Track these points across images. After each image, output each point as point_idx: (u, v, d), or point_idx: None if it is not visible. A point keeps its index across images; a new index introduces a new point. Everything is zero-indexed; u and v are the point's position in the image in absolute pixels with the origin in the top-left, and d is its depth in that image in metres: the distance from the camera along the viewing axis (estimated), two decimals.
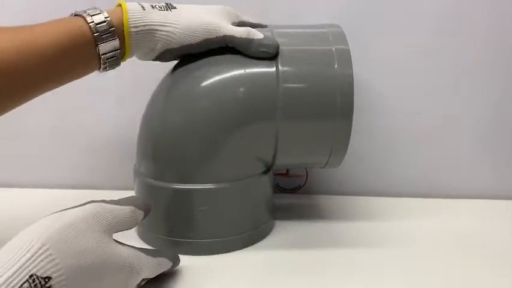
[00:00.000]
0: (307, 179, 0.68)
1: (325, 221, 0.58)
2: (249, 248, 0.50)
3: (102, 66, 0.45)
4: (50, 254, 0.30)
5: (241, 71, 0.46)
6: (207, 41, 0.46)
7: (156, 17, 0.46)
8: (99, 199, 0.38)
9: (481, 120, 0.65)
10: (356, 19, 0.62)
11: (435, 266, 0.47)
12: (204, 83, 0.46)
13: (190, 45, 0.46)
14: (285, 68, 0.46)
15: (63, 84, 0.45)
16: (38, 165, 0.70)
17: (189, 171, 0.46)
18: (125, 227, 0.38)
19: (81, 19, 0.44)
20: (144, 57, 0.49)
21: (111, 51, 0.45)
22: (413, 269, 0.47)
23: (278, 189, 0.68)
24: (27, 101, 0.44)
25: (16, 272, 0.28)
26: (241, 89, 0.46)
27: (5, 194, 0.68)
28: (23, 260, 0.29)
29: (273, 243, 0.51)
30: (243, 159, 0.47)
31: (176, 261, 0.43)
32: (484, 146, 0.66)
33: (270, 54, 0.47)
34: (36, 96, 0.44)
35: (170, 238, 0.47)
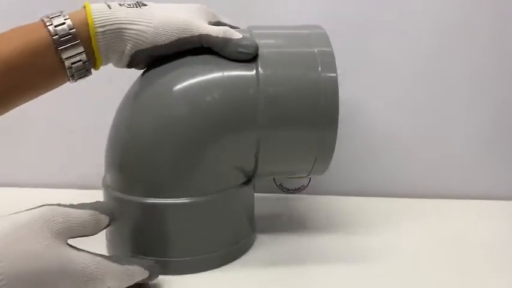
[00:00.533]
0: (310, 179, 0.66)
1: (327, 224, 0.57)
2: (228, 266, 0.46)
3: (68, 74, 0.42)
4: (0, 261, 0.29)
5: (219, 73, 0.42)
6: (181, 41, 0.43)
7: (124, 15, 0.42)
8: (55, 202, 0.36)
9: (483, 121, 0.64)
10: (356, 20, 0.61)
11: (437, 267, 0.47)
12: (178, 86, 0.42)
13: (163, 45, 0.43)
14: (266, 71, 0.42)
15: (36, 95, 0.43)
16: (36, 165, 0.69)
17: (160, 183, 0.42)
18: (83, 232, 0.36)
19: (41, 23, 0.41)
20: (117, 63, 0.45)
21: (75, 56, 0.41)
22: (415, 271, 0.46)
23: (281, 189, 0.66)
24: None
25: None
26: (219, 93, 0.42)
27: (3, 193, 0.68)
28: None
29: (253, 258, 0.48)
30: (221, 169, 0.44)
31: (154, 270, 0.39)
32: (485, 146, 0.65)
33: (249, 56, 0.43)
34: (7, 110, 0.43)
35: (141, 257, 0.43)
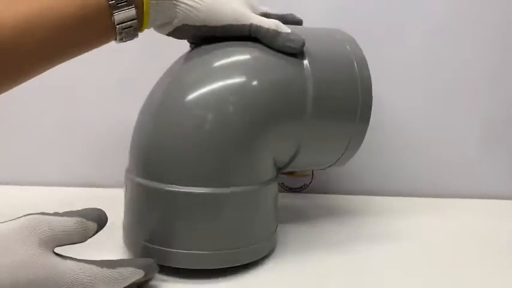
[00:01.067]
0: (312, 178, 0.67)
1: (330, 222, 0.57)
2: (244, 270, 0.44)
3: (118, 36, 0.41)
4: None
5: (271, 59, 0.43)
6: (231, 27, 0.43)
7: None
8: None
9: (487, 121, 0.65)
10: (365, 19, 0.62)
11: (443, 266, 0.47)
12: (225, 72, 0.42)
13: (212, 27, 0.43)
14: (313, 64, 0.44)
15: (77, 55, 0.42)
16: (37, 163, 0.68)
17: (197, 172, 0.40)
18: (70, 239, 0.35)
19: None
20: (160, 29, 0.45)
21: (127, 21, 0.41)
22: (421, 269, 0.46)
23: (284, 188, 0.67)
24: (39, 72, 0.41)
25: None
26: (270, 80, 0.43)
27: (3, 191, 0.66)
28: None
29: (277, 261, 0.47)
30: (261, 160, 0.43)
31: (149, 269, 0.38)
32: (489, 145, 0.66)
33: (296, 50, 0.44)
34: (48, 68, 0.41)
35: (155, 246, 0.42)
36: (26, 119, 0.65)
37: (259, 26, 0.44)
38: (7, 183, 0.67)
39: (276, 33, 0.44)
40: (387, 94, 0.65)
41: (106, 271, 0.35)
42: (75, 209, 0.36)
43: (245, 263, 0.43)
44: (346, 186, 0.67)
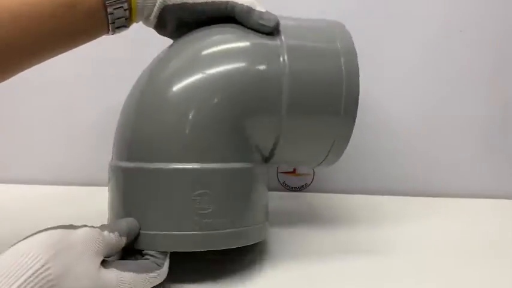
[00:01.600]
0: (313, 177, 0.67)
1: (331, 222, 0.57)
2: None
3: (110, 21, 0.42)
4: (50, 274, 0.30)
5: (244, 50, 0.43)
6: (209, 5, 0.44)
7: None
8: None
9: (485, 120, 0.65)
10: (360, 20, 0.61)
11: (445, 266, 0.46)
12: (201, 54, 0.42)
13: (191, 4, 0.44)
14: (292, 57, 0.43)
15: (70, 46, 0.43)
16: (30, 161, 0.69)
17: (175, 149, 0.40)
18: (109, 253, 0.36)
19: None
20: (147, 21, 0.45)
21: (120, 15, 0.42)
22: (421, 271, 0.46)
23: (285, 187, 0.67)
24: (28, 65, 0.42)
25: None
26: (243, 71, 0.42)
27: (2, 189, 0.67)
28: (24, 277, 0.28)
29: (255, 255, 0.46)
30: (242, 141, 0.42)
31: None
32: (487, 145, 0.66)
33: (269, 29, 0.44)
34: (38, 60, 0.42)
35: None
36: (20, 116, 0.66)
37: (235, 3, 0.44)
38: (6, 182, 0.68)
39: (250, 10, 0.44)
40: (387, 94, 0.64)
41: (143, 276, 0.36)
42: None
43: (231, 247, 0.41)
44: (346, 186, 0.67)
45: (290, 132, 0.44)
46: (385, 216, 0.59)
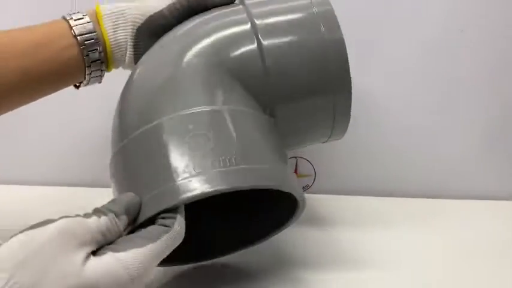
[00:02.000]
0: (315, 178, 0.67)
1: (332, 224, 0.56)
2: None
3: (83, 52, 0.42)
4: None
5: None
6: (171, 7, 0.44)
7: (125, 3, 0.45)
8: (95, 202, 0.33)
9: (485, 120, 0.65)
10: (359, 18, 0.62)
11: (443, 268, 0.47)
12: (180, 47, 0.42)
13: (157, 14, 0.44)
14: (267, 42, 0.42)
15: (45, 87, 0.44)
16: (32, 162, 0.69)
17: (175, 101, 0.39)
18: (106, 240, 0.32)
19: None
20: (127, 59, 0.46)
21: (88, 33, 0.43)
22: (423, 273, 0.46)
23: None
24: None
25: None
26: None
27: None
28: None
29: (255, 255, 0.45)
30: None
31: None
32: (488, 145, 0.66)
33: (229, 2, 0.45)
34: (15, 102, 0.43)
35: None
36: (25, 117, 0.65)
37: None
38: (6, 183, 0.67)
39: None
40: (386, 94, 0.65)
41: (150, 248, 0.31)
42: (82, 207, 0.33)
43: (243, 186, 0.35)
44: (348, 187, 0.67)
45: (282, 108, 0.42)
46: (388, 218, 0.59)
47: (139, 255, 0.30)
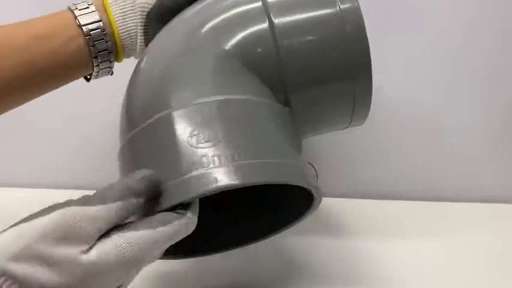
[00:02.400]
0: (317, 180, 0.64)
1: (333, 228, 0.56)
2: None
3: (89, 43, 0.40)
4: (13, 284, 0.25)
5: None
6: None
7: None
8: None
9: (488, 121, 0.65)
10: (368, 17, 0.61)
11: (446, 273, 0.46)
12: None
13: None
14: (279, 20, 0.39)
15: (52, 81, 0.42)
16: (35, 165, 0.68)
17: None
18: (114, 223, 0.29)
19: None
20: (135, 46, 0.44)
21: (93, 23, 0.41)
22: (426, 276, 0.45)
23: None
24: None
25: None
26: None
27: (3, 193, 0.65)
28: None
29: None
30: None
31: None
32: (496, 149, 0.66)
33: None
34: (21, 96, 0.42)
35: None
36: (29, 118, 0.64)
37: None
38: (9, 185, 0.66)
39: None
40: (389, 96, 0.64)
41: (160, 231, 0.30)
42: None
43: (259, 181, 0.33)
44: (349, 190, 0.66)
45: (297, 94, 0.39)
46: (391, 221, 0.58)
47: (147, 236, 0.29)
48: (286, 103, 0.39)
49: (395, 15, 0.61)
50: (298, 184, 0.35)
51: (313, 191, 0.37)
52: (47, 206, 0.28)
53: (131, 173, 0.32)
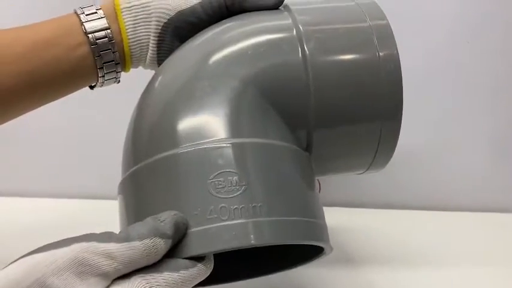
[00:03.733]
0: (319, 191, 0.62)
1: (337, 236, 0.55)
2: None
3: (94, 52, 0.37)
4: None
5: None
6: (202, 6, 0.38)
7: None
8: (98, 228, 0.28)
9: (492, 131, 0.65)
10: None
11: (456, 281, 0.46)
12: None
13: (187, 10, 0.38)
14: (313, 57, 0.36)
15: (56, 89, 0.39)
16: (45, 174, 0.67)
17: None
18: (136, 267, 0.27)
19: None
20: (150, 63, 0.40)
21: (101, 30, 0.37)
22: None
23: None
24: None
25: None
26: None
27: (13, 203, 0.64)
28: None
29: None
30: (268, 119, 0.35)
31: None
32: (498, 157, 0.65)
33: (270, 3, 0.38)
34: (25, 104, 0.39)
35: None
36: (28, 128, 0.63)
37: None
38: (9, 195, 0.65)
39: None
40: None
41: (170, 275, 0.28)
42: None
43: (282, 241, 0.31)
44: (352, 199, 0.65)
45: (321, 133, 0.37)
46: (393, 231, 0.58)
47: (168, 279, 0.27)
48: (308, 143, 0.37)
49: (395, 24, 0.59)
50: (319, 245, 0.33)
51: (326, 250, 0.35)
52: (67, 238, 0.26)
53: (133, 210, 0.31)
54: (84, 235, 0.27)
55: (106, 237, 0.27)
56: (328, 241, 0.34)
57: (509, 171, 0.66)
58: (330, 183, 0.63)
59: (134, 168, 0.34)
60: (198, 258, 0.29)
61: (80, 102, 0.41)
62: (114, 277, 0.26)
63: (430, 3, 0.60)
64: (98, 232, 0.27)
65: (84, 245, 0.26)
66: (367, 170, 0.42)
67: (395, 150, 0.61)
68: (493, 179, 0.66)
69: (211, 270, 0.30)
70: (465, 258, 0.52)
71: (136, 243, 0.27)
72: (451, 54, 0.61)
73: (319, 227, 0.33)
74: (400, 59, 0.57)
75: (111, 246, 0.26)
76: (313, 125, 0.36)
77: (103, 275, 0.26)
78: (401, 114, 0.38)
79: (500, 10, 0.60)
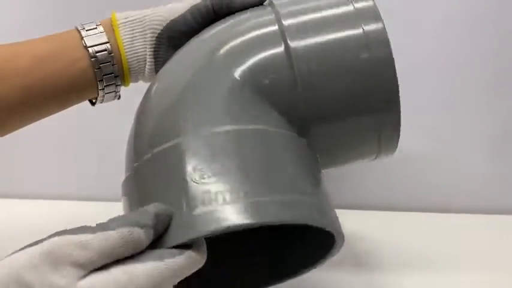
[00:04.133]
0: None
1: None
2: None
3: (94, 65, 0.39)
4: None
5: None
6: (194, 9, 0.40)
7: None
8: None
9: (490, 129, 0.63)
10: None
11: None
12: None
13: (179, 18, 0.40)
14: (295, 44, 0.36)
15: (56, 102, 0.41)
16: (42, 176, 0.67)
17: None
18: (114, 258, 0.26)
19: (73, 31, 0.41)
20: (147, 74, 0.42)
21: (100, 44, 0.39)
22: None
23: None
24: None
25: None
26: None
27: (11, 205, 0.65)
28: None
29: None
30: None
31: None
32: (498, 159, 0.64)
33: (257, 2, 0.40)
34: (26, 118, 0.41)
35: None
36: (33, 131, 0.60)
37: None
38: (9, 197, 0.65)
39: None
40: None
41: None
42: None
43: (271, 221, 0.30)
44: (351, 201, 0.64)
45: (316, 126, 0.36)
46: (393, 232, 0.57)
47: (152, 269, 0.26)
48: (305, 134, 0.36)
49: (389, 23, 0.60)
50: (315, 224, 0.31)
51: (335, 233, 0.33)
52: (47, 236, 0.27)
53: (136, 205, 0.31)
54: (57, 231, 0.27)
55: (80, 229, 0.27)
56: (335, 227, 0.33)
57: (510, 173, 0.64)
58: (328, 185, 0.61)
59: (135, 164, 0.35)
60: (187, 246, 0.29)
61: (78, 105, 0.43)
62: (91, 268, 0.26)
63: (425, 1, 0.60)
64: None
65: (56, 238, 0.26)
66: (376, 157, 0.41)
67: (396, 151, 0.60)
68: (493, 180, 0.64)
69: (205, 257, 0.29)
70: (465, 260, 0.51)
71: (111, 233, 0.26)
72: (449, 54, 0.61)
73: (317, 207, 0.32)
74: (397, 60, 0.57)
75: (84, 237, 0.26)
76: (306, 116, 0.36)
77: (78, 265, 0.25)
78: (398, 95, 0.37)
79: (497, 8, 0.59)
